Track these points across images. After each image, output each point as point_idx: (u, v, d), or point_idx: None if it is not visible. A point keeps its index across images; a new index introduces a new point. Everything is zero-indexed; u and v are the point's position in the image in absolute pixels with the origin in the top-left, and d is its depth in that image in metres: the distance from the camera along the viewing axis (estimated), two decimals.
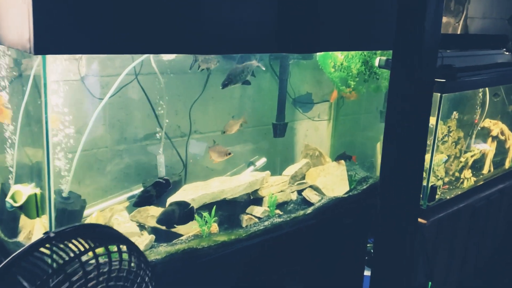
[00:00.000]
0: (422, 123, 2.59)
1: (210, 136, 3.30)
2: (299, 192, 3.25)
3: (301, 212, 3.05)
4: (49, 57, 2.25)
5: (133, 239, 2.53)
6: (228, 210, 2.96)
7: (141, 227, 2.67)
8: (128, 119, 2.96)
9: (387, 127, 2.64)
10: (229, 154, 2.99)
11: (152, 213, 2.66)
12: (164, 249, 2.50)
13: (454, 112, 3.78)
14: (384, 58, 3.25)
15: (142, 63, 2.79)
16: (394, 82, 2.55)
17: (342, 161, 3.42)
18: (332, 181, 3.32)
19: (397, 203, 2.63)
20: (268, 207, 2.96)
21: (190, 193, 2.79)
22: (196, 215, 2.69)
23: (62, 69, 2.63)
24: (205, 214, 2.69)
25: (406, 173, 2.58)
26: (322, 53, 3.22)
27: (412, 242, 2.76)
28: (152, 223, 2.65)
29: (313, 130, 3.76)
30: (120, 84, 2.81)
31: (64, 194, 2.57)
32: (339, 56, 3.24)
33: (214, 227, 2.77)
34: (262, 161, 3.39)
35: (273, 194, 3.03)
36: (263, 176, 3.04)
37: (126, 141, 2.99)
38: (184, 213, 2.49)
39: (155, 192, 2.48)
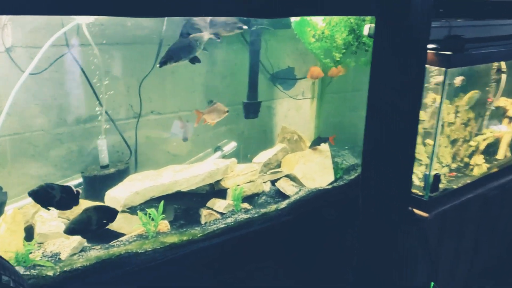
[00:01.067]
0: (411, 100, 2.12)
1: (170, 117, 2.86)
2: (273, 182, 2.79)
3: (274, 207, 2.59)
4: None
5: (58, 241, 2.12)
6: (184, 204, 2.53)
7: None
8: (69, 98, 2.53)
9: (370, 102, 2.19)
10: (227, 111, 2.60)
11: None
12: (96, 254, 2.07)
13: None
14: (374, 25, 2.74)
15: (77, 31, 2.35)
16: (377, 51, 2.09)
17: (326, 146, 2.93)
18: (313, 170, 2.85)
19: (380, 192, 2.21)
20: (232, 200, 2.52)
21: (136, 184, 2.35)
22: (139, 212, 2.25)
23: None
24: (150, 210, 2.25)
25: (391, 157, 2.14)
26: (297, 19, 2.72)
27: (400, 237, 2.34)
28: None
29: (295, 110, 3.28)
30: (53, 56, 2.39)
31: None
32: (320, 23, 2.73)
33: (164, 226, 2.33)
34: (232, 145, 2.94)
35: (238, 185, 2.58)
36: (227, 164, 2.58)
37: (66, 123, 2.56)
38: (103, 222, 2.02)
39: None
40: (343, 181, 2.92)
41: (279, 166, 2.88)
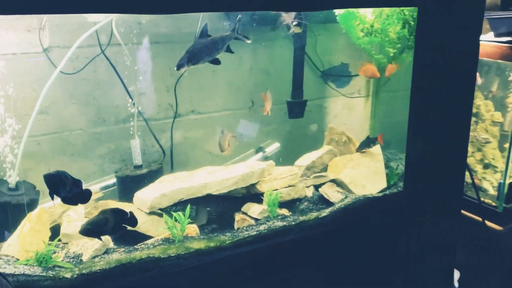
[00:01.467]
0: (461, 100, 1.85)
1: (211, 117, 2.76)
2: (318, 187, 2.60)
3: (315, 214, 2.40)
4: None
5: (82, 242, 2.09)
6: (217, 207, 2.41)
7: None
8: (107, 97, 2.51)
9: (412, 104, 1.96)
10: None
11: None
12: (117, 257, 2.02)
13: None
14: None
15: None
16: (420, 47, 1.86)
17: (378, 149, 2.68)
18: (363, 175, 2.61)
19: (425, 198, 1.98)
20: (267, 205, 2.36)
21: (164, 186, 2.27)
22: (164, 215, 2.17)
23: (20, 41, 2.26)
24: (176, 214, 2.16)
25: (434, 164, 1.90)
26: (342, 12, 2.50)
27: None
28: None
29: (348, 109, 3.05)
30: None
31: (11, 185, 2.18)
32: (369, 16, 2.49)
33: (193, 230, 2.23)
34: (274, 146, 2.79)
35: (276, 189, 2.42)
36: (263, 167, 2.43)
37: (105, 122, 2.54)
38: (120, 225, 1.94)
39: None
40: (397, 188, 2.65)
41: (325, 170, 2.68)
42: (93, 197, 2.41)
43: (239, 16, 2.16)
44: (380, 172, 2.65)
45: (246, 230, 2.26)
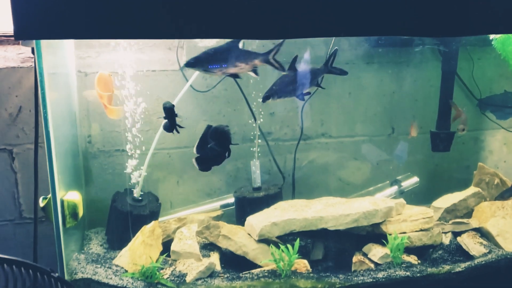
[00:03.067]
0: None
1: (341, 141, 2.56)
2: (457, 235, 2.22)
3: (447, 268, 2.06)
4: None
5: (188, 261, 2.09)
6: (336, 244, 2.21)
7: (212, 247, 2.19)
8: (237, 115, 2.48)
9: None
10: None
11: (224, 232, 2.13)
12: (218, 283, 1.96)
13: None
14: None
15: None
16: None
17: None
18: None
19: None
20: (390, 250, 2.09)
21: (276, 214, 2.15)
22: (272, 246, 2.05)
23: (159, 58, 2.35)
24: (283, 247, 2.02)
25: None
26: (499, 36, 2.08)
27: None
28: (224, 244, 2.13)
29: (508, 146, 2.57)
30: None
31: (136, 195, 2.28)
32: None
33: (303, 265, 2.07)
34: (413, 181, 2.48)
35: (404, 233, 2.13)
36: (390, 206, 2.15)
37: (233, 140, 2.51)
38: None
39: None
40: None
41: (469, 216, 2.29)
42: (213, 214, 2.43)
43: (336, 48, 1.97)
44: None
45: (362, 275, 2.03)
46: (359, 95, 2.53)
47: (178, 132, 1.90)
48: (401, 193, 2.46)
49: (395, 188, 2.47)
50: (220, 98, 2.45)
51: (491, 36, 2.17)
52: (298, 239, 2.04)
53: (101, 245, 2.24)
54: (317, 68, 1.98)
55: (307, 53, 1.99)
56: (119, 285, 1.88)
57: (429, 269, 2.05)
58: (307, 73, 1.93)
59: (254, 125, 2.42)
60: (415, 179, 2.48)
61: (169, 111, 1.88)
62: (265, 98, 1.90)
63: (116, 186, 2.33)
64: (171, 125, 1.89)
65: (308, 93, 1.95)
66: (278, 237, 2.15)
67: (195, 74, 2.26)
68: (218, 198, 2.50)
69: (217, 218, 2.39)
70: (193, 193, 2.53)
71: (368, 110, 2.55)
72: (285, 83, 1.90)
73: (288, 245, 2.04)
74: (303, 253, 2.21)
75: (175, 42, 2.33)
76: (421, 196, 2.51)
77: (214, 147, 1.86)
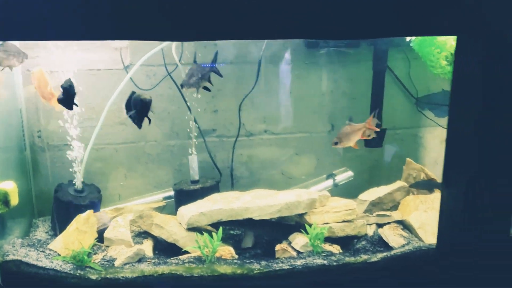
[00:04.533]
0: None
1: (283, 138, 2.68)
2: (381, 227, 2.31)
3: (364, 257, 2.14)
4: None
5: (119, 247, 2.22)
6: (267, 233, 2.33)
7: (146, 235, 2.32)
8: (181, 113, 2.61)
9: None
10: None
11: (157, 221, 2.26)
12: (143, 268, 2.08)
13: None
14: None
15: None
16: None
17: None
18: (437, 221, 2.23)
19: None
20: (309, 239, 2.18)
21: (206, 205, 2.27)
22: (197, 234, 2.17)
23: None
24: (206, 234, 2.14)
25: None
26: (416, 38, 2.17)
27: None
28: (156, 232, 2.26)
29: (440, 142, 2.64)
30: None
31: (78, 187, 2.43)
32: (451, 42, 2.12)
33: (228, 252, 2.19)
34: (347, 175, 2.57)
35: (327, 223, 2.23)
36: (313, 198, 2.26)
37: (178, 136, 2.65)
38: None
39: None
40: None
41: (396, 208, 2.37)
42: (154, 205, 2.56)
43: (216, 50, 2.22)
44: None
45: (282, 262, 2.14)
46: (300, 94, 2.63)
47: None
48: (335, 186, 2.56)
49: (330, 181, 2.56)
50: (165, 96, 2.58)
51: (407, 38, 2.25)
52: (221, 228, 2.16)
53: (46, 232, 2.41)
54: (208, 66, 2.16)
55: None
56: (47, 267, 2.02)
57: (347, 259, 2.14)
58: (202, 69, 2.12)
59: (190, 122, 2.55)
60: (349, 173, 2.58)
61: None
62: (181, 86, 2.17)
63: (64, 178, 2.49)
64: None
65: (207, 88, 2.08)
66: (213, 226, 2.27)
67: (132, 70, 2.40)
68: (162, 190, 2.64)
69: (159, 209, 2.53)
70: (141, 186, 2.67)
71: (309, 108, 2.66)
72: (189, 75, 2.13)
73: (213, 233, 2.16)
74: (236, 241, 2.34)
75: (121, 43, 2.48)
76: (362, 189, 2.58)
77: (132, 116, 2.00)
